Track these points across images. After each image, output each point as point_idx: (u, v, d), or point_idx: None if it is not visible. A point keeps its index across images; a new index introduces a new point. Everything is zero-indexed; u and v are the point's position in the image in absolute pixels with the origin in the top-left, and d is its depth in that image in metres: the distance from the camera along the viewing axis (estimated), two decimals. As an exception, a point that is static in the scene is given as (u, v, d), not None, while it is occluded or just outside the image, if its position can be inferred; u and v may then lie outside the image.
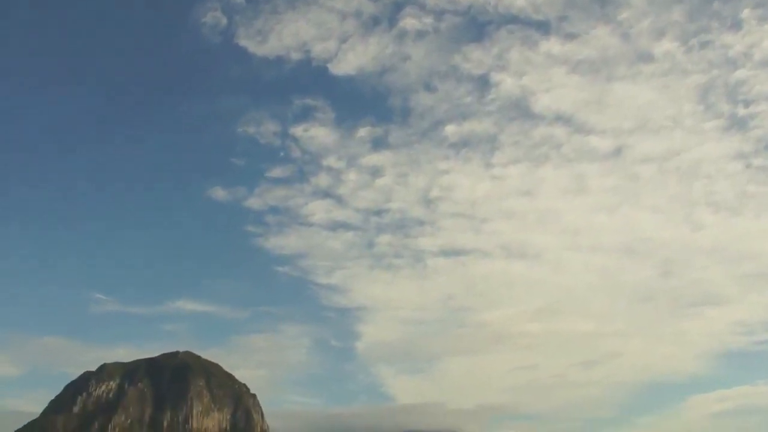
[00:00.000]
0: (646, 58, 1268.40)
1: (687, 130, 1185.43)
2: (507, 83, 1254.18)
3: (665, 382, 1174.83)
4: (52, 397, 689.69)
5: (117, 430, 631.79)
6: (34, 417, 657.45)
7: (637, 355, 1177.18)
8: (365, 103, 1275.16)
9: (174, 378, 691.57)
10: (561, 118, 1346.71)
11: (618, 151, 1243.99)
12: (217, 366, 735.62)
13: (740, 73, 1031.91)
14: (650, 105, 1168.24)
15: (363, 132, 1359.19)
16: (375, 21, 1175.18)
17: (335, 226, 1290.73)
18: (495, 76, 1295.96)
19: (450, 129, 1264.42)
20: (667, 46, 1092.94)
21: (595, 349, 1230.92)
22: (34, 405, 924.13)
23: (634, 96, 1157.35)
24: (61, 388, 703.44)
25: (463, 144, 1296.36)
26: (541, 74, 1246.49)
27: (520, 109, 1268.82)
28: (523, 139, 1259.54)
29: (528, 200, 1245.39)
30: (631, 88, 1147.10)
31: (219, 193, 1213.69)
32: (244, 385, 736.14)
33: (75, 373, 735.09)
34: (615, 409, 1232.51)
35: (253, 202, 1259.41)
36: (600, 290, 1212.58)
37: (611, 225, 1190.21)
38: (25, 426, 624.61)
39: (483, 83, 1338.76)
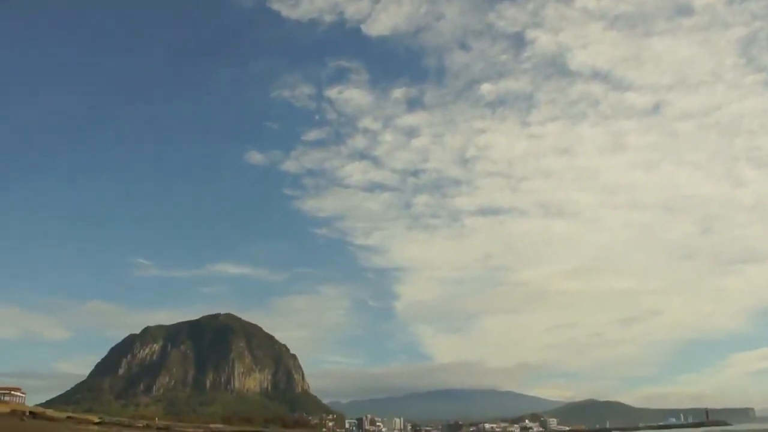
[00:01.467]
0: (686, 11, 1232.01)
1: (728, 84, 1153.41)
2: (542, 40, 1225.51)
3: (705, 340, 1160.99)
4: (99, 360, 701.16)
5: (161, 391, 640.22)
6: (81, 379, 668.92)
7: (676, 313, 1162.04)
8: (400, 64, 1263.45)
9: (215, 340, 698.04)
10: (598, 75, 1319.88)
11: (656, 108, 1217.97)
12: (257, 327, 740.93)
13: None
14: (689, 60, 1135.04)
15: (398, 93, 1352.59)
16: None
17: (372, 188, 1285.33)
18: (530, 33, 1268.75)
19: (486, 88, 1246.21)
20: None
21: (634, 307, 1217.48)
22: (82, 367, 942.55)
23: (673, 51, 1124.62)
24: (107, 350, 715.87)
25: (499, 103, 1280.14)
26: (577, 30, 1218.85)
27: (556, 67, 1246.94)
28: (560, 97, 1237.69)
29: (565, 158, 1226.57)
30: (670, 42, 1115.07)
31: (255, 157, 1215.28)
32: (285, 345, 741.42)
33: (119, 336, 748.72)
34: (654, 367, 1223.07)
35: (290, 165, 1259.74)
36: (639, 248, 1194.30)
37: (650, 182, 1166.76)
38: (73, 387, 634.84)
39: (518, 41, 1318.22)
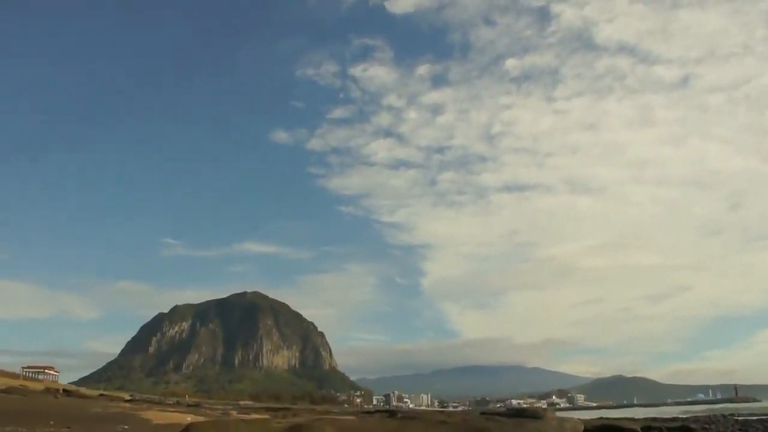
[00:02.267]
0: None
1: (758, 56, 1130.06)
2: (568, 14, 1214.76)
3: (734, 316, 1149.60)
4: (129, 339, 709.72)
5: (191, 368, 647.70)
6: (112, 357, 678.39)
7: (704, 289, 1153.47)
8: (424, 40, 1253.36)
9: (243, 318, 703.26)
10: (624, 49, 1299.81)
11: (685, 81, 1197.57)
12: (284, 305, 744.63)
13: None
14: (719, 31, 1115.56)
15: (422, 69, 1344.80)
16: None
17: (397, 165, 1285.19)
18: (555, 8, 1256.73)
19: (511, 63, 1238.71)
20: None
21: (661, 283, 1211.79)
22: (113, 346, 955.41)
23: (702, 23, 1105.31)
24: (137, 329, 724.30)
25: (524, 78, 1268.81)
26: (603, 3, 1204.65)
27: (582, 41, 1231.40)
28: (586, 71, 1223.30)
29: (591, 133, 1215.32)
30: (698, 14, 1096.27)
31: (280, 136, 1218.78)
32: (312, 323, 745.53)
33: (149, 315, 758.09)
34: (682, 344, 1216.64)
35: (315, 144, 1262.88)
36: (667, 224, 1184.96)
37: (678, 157, 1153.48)
38: (104, 366, 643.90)
39: (543, 15, 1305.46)
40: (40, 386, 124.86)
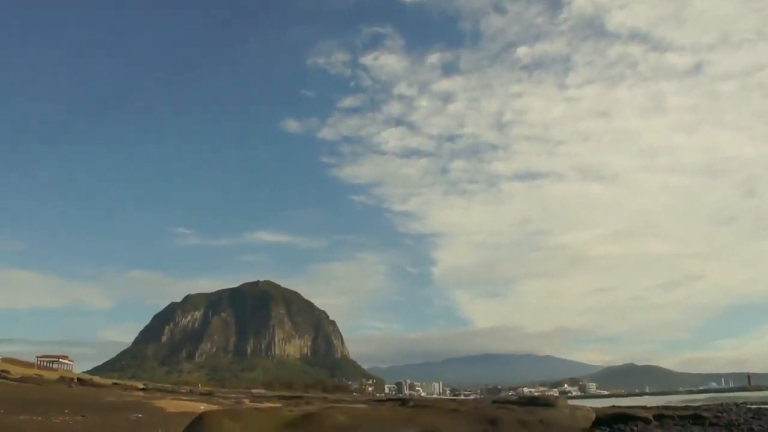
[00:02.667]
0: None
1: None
2: (579, 1, 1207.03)
3: (747, 305, 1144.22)
4: (142, 328, 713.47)
5: (203, 357, 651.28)
6: (125, 346, 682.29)
7: (717, 278, 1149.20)
8: (434, 28, 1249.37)
9: (256, 307, 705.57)
10: (636, 36, 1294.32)
11: (697, 68, 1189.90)
12: (296, 294, 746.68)
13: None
14: (732, 17, 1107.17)
15: (433, 58, 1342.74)
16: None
17: (408, 153, 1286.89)
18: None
19: (522, 51, 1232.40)
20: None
21: (674, 271, 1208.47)
22: (125, 335, 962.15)
23: (715, 8, 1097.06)
24: (149, 319, 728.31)
25: (535, 66, 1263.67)
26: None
27: (594, 28, 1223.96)
28: (598, 59, 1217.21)
29: (603, 121, 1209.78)
30: (711, 0, 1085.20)
31: (292, 125, 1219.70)
32: (324, 312, 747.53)
33: (161, 304, 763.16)
34: (695, 332, 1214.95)
35: (326, 133, 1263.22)
36: (679, 212, 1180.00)
37: (690, 144, 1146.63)
38: (118, 355, 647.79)
39: (554, 2, 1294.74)
40: (54, 375, 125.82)
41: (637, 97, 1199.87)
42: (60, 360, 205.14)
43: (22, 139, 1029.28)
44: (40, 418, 28.36)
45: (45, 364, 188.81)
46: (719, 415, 67.06)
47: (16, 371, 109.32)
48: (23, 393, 43.96)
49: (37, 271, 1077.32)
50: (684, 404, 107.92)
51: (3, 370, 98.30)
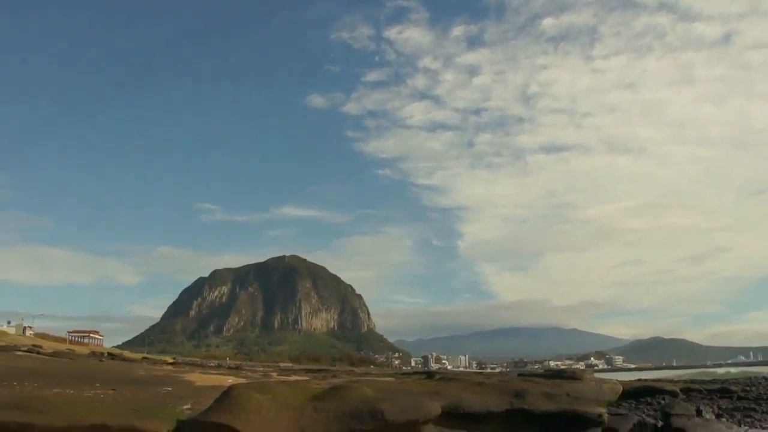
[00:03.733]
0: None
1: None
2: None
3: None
4: (170, 303, 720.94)
5: (231, 331, 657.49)
6: (154, 321, 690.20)
7: (746, 250, 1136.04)
8: (458, 1, 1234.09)
9: (282, 281, 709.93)
10: (664, 5, 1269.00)
11: (727, 38, 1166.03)
12: (323, 268, 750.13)
13: None
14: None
15: (458, 31, 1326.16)
16: None
17: (434, 127, 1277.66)
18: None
19: (547, 23, 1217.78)
20: None
21: (702, 244, 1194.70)
22: (154, 310, 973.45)
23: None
24: (177, 294, 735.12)
25: (561, 38, 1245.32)
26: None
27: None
28: (625, 30, 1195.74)
29: (630, 93, 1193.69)
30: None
31: (316, 100, 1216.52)
32: (350, 286, 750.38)
33: (189, 279, 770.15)
34: (723, 305, 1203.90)
35: (351, 107, 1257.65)
36: (708, 184, 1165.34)
37: (719, 116, 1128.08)
38: (147, 330, 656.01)
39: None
40: (85, 350, 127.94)
41: (664, 69, 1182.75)
42: (91, 335, 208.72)
43: (52, 115, 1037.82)
44: (72, 391, 28.88)
45: (76, 339, 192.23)
46: (747, 389, 66.79)
47: (49, 346, 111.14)
48: (56, 367, 44.71)
49: (68, 249, 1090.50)
50: (712, 378, 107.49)
51: (36, 345, 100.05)
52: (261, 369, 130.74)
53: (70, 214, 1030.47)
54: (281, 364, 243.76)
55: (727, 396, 61.00)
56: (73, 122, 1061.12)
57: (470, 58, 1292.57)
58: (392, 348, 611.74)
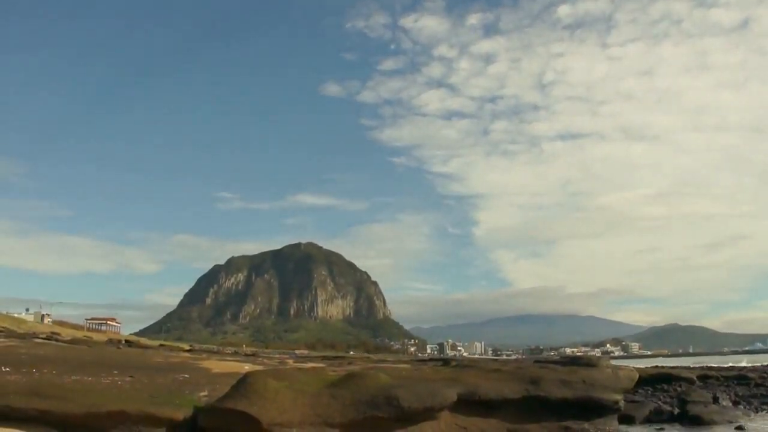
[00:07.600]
0: None
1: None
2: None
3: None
4: (187, 290, 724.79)
5: (247, 318, 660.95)
6: (171, 309, 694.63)
7: (763, 237, 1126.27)
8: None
9: (298, 268, 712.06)
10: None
11: (744, 24, 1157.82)
12: (338, 256, 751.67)
13: None
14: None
15: (473, 19, 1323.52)
16: None
17: (449, 115, 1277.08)
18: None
19: (563, 10, 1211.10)
20: None
21: (720, 231, 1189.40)
22: (171, 298, 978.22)
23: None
24: (194, 281, 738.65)
25: (577, 25, 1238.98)
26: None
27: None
28: (641, 16, 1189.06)
29: (647, 80, 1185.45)
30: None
31: (332, 89, 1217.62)
32: (366, 273, 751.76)
33: (205, 267, 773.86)
34: (740, 293, 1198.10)
35: (367, 96, 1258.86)
36: (725, 171, 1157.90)
37: (737, 102, 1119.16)
38: (164, 317, 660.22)
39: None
40: (103, 337, 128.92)
41: (681, 55, 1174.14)
42: (108, 322, 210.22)
43: (72, 107, 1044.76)
44: (90, 378, 29.13)
45: (94, 326, 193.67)
46: (765, 375, 66.46)
47: (67, 333, 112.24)
48: (74, 354, 45.10)
49: (87, 237, 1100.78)
50: (729, 365, 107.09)
51: (54, 333, 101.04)
52: (277, 356, 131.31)
53: (89, 204, 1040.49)
54: (297, 352, 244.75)
55: (744, 383, 60.77)
56: (92, 114, 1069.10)
57: (486, 46, 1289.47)
58: (408, 335, 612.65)
